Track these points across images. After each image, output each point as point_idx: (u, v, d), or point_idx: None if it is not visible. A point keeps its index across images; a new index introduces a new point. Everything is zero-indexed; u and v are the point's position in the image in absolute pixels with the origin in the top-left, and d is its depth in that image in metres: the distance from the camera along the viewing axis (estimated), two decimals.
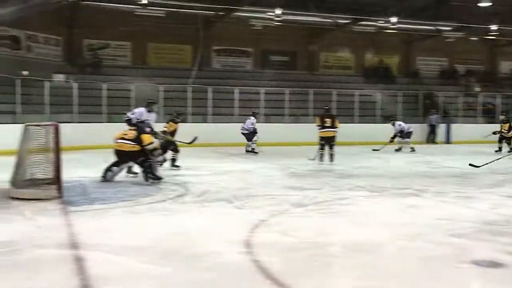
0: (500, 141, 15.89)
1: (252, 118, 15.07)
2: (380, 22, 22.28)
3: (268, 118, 19.60)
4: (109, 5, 19.46)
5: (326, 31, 23.75)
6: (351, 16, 21.86)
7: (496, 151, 15.23)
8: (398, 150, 15.97)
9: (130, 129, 8.53)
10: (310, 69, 24.96)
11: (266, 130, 18.04)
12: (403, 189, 7.87)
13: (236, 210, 6.22)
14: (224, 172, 10.05)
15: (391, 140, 16.06)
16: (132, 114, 9.36)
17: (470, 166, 10.30)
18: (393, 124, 16.18)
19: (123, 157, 8.36)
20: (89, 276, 3.67)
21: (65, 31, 20.79)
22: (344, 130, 17.54)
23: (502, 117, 16.98)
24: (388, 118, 17.31)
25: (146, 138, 8.37)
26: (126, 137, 8.34)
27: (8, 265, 3.91)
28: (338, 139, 13.29)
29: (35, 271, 3.80)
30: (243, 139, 14.96)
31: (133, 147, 8.21)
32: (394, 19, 21.59)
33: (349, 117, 20.10)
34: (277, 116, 19.69)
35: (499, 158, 11.60)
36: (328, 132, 12.07)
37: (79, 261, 4.00)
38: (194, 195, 7.14)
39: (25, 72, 17.76)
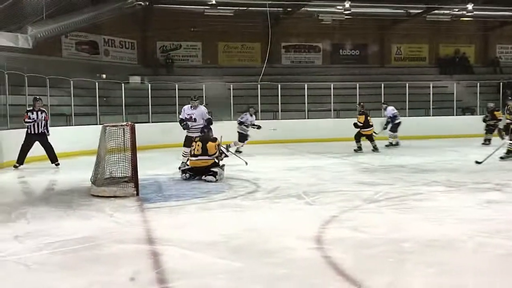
0: (491, 132, 14.41)
1: (244, 115, 13.75)
2: (455, 10, 21.42)
3: (338, 113, 19.39)
4: (180, 7, 20.03)
5: (398, 22, 23.16)
6: (424, 5, 21.17)
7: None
8: (390, 145, 14.38)
9: (196, 141, 8.61)
10: (382, 62, 24.42)
11: (337, 125, 17.89)
12: (482, 184, 7.52)
13: (307, 206, 6.21)
14: (295, 168, 10.04)
15: (384, 128, 14.49)
16: (181, 116, 9.83)
17: None
18: (385, 109, 14.71)
19: (201, 170, 8.47)
20: (165, 270, 3.80)
21: (139, 34, 21.61)
22: (419, 123, 17.07)
23: (491, 105, 14.96)
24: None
25: (211, 148, 8.45)
26: (197, 153, 8.43)
27: (90, 259, 4.12)
28: (412, 132, 13.15)
29: (115, 265, 3.98)
30: (313, 135, 14.86)
31: (206, 162, 8.36)
32: (470, 6, 20.69)
33: (424, 110, 19.53)
34: (348, 111, 19.42)
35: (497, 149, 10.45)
36: (371, 130, 13.05)
37: (155, 256, 4.15)
38: (265, 191, 7.19)
39: (103, 75, 18.66)
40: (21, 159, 10.55)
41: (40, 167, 10.86)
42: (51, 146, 10.75)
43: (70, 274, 3.78)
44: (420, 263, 3.85)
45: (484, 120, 14.52)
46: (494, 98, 21.07)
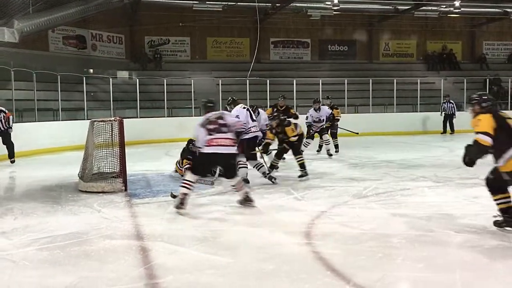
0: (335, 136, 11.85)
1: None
2: (442, 6, 21.52)
3: None
4: (168, 2, 19.90)
5: (386, 18, 23.23)
6: (412, 2, 21.25)
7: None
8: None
9: None
10: (370, 58, 24.50)
11: None
12: (469, 179, 7.54)
13: (296, 202, 6.22)
14: (283, 163, 10.02)
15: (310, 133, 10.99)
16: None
17: None
18: (318, 109, 10.82)
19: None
20: (153, 266, 3.79)
21: (127, 29, 21.43)
22: (406, 119, 17.14)
23: (328, 102, 12.23)
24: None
25: None
26: None
27: (78, 255, 4.09)
28: (400, 128, 13.03)
29: (104, 261, 3.97)
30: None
31: None
32: (457, 3, 20.81)
33: (411, 106, 19.63)
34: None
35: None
36: None
37: (144, 252, 4.14)
38: (254, 187, 7.19)
39: (90, 70, 18.51)
40: None
41: (27, 163, 10.77)
42: (12, 143, 10.89)
43: (59, 270, 3.75)
44: (409, 259, 3.88)
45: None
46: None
